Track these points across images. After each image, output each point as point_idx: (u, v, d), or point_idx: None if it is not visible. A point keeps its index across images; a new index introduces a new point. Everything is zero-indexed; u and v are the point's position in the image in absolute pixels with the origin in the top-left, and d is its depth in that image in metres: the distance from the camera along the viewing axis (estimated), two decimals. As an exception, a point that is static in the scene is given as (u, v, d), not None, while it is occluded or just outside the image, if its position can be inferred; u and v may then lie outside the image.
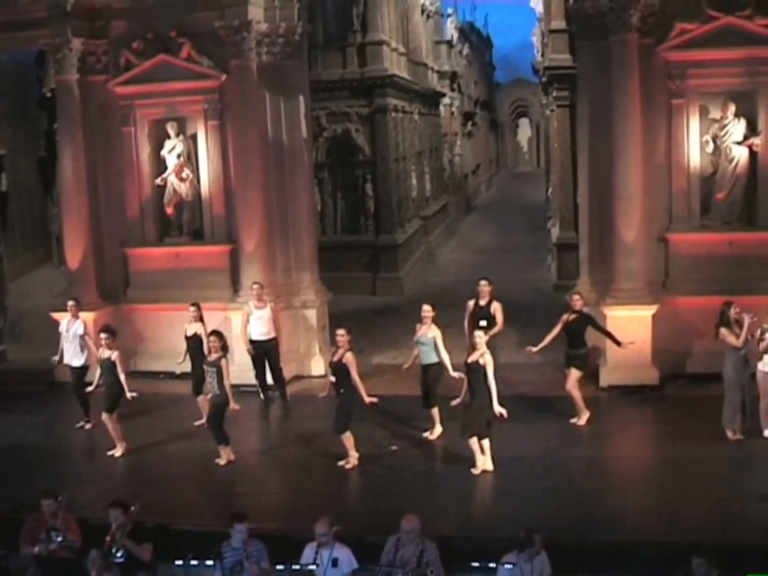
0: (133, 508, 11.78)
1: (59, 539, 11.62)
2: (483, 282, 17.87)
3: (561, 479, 15.11)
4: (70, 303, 18.70)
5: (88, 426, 17.97)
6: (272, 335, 19.25)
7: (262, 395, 19.37)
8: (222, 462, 15.87)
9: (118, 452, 16.58)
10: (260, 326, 19.19)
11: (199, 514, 14.12)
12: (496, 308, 17.68)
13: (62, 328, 18.58)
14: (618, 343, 17.37)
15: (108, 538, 11.42)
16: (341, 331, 15.63)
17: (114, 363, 16.49)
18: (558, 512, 13.53)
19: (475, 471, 14.90)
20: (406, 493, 14.44)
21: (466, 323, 17.72)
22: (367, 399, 15.39)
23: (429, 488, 14.67)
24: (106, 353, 16.60)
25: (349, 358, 15.37)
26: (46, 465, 16.29)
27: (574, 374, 16.99)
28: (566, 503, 13.96)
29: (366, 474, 15.34)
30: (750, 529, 12.63)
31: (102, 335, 16.78)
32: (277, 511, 14.21)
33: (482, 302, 17.78)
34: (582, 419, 17.02)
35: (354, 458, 15.55)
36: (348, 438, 15.50)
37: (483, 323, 17.30)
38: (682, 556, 10.56)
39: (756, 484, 14.14)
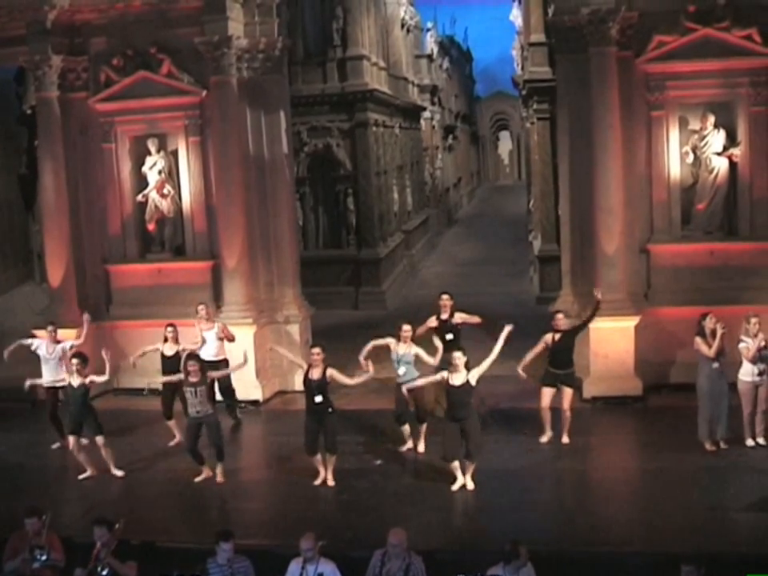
0: (117, 525, 11.71)
1: (43, 558, 11.53)
2: (445, 297, 17.78)
3: (545, 492, 15.15)
4: (50, 328, 18.53)
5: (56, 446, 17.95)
6: (221, 356, 18.68)
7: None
8: (219, 478, 15.88)
9: (88, 474, 16.49)
10: (208, 348, 18.67)
11: (184, 531, 14.09)
12: (460, 317, 17.65)
13: (43, 351, 18.31)
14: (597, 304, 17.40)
15: (93, 556, 11.35)
16: (316, 350, 15.57)
17: (87, 389, 16.38)
18: (543, 524, 13.56)
19: (454, 487, 14.94)
20: (391, 507, 14.43)
21: (421, 331, 17.54)
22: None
23: (413, 502, 14.65)
24: (77, 380, 16.30)
25: (332, 371, 15.33)
26: (29, 483, 16.20)
27: (569, 392, 16.83)
28: (550, 515, 14.00)
29: (350, 488, 15.31)
30: (733, 539, 12.69)
31: (74, 360, 16.57)
32: (261, 527, 14.16)
33: (444, 316, 17.68)
34: (564, 437, 16.87)
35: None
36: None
37: (450, 337, 17.32)
38: (666, 566, 10.57)
39: (739, 493, 14.17)
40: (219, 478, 15.92)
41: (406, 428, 16.86)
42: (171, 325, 18.20)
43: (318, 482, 15.51)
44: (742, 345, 15.75)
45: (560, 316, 17.08)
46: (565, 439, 16.79)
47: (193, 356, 16.18)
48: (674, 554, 10.91)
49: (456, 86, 73.81)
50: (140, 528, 13.17)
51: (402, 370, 16.59)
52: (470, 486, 14.89)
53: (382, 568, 10.99)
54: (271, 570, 11.46)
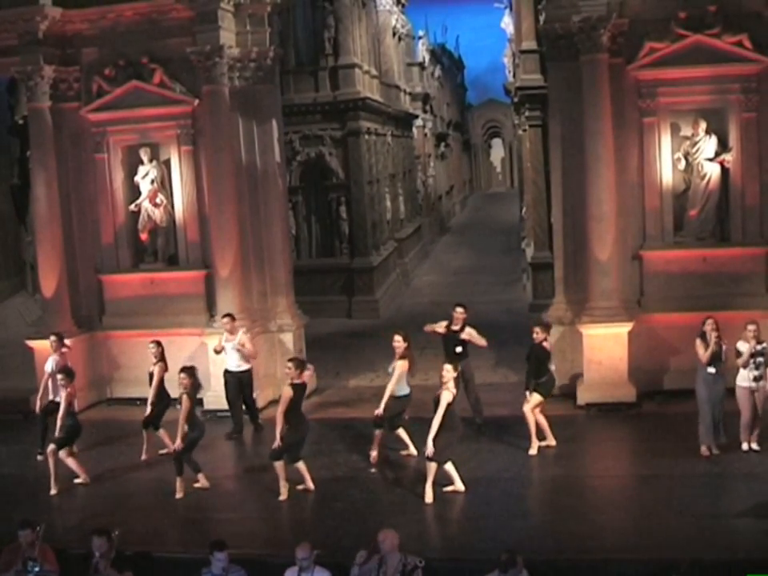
0: (114, 535, 11.66)
1: (36, 569, 11.48)
2: (460, 310, 17.68)
3: (539, 499, 15.18)
4: (51, 338, 18.52)
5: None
6: (243, 367, 18.89)
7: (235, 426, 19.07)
8: (179, 494, 15.70)
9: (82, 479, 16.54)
10: (233, 358, 18.93)
11: (179, 541, 14.08)
12: (469, 334, 17.59)
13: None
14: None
15: (92, 567, 11.31)
16: (289, 363, 15.60)
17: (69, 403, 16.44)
18: (538, 532, 13.54)
19: (446, 489, 14.94)
20: (386, 516, 14.35)
21: (428, 329, 17.76)
22: (276, 443, 15.25)
23: (408, 511, 14.61)
24: (62, 393, 16.49)
25: (284, 392, 15.26)
26: (22, 495, 16.14)
27: (536, 398, 16.75)
28: (545, 523, 13.99)
29: (345, 497, 15.28)
30: (728, 545, 12.63)
31: (59, 376, 16.72)
32: (257, 536, 14.13)
33: (455, 327, 17.68)
34: (534, 448, 16.71)
35: (282, 488, 15.45)
36: (281, 466, 15.46)
37: (459, 349, 17.44)
38: (661, 573, 10.57)
39: (734, 500, 14.20)
40: (199, 485, 15.95)
41: (401, 432, 16.89)
42: (153, 341, 18.13)
43: (300, 486, 15.55)
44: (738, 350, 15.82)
45: (537, 329, 17.16)
46: (532, 450, 16.69)
47: (184, 369, 16.07)
48: (668, 560, 10.92)
49: (448, 94, 73.91)
50: (133, 538, 13.13)
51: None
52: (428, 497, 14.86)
53: (379, 570, 11.01)
54: (266, 579, 11.46)
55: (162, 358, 17.82)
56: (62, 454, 16.31)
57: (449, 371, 14.75)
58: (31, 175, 21.99)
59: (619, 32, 18.86)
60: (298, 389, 15.27)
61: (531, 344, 17.11)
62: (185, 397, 15.46)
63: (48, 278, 21.14)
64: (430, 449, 14.57)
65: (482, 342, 17.64)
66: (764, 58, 18.62)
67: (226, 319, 19.11)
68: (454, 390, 14.72)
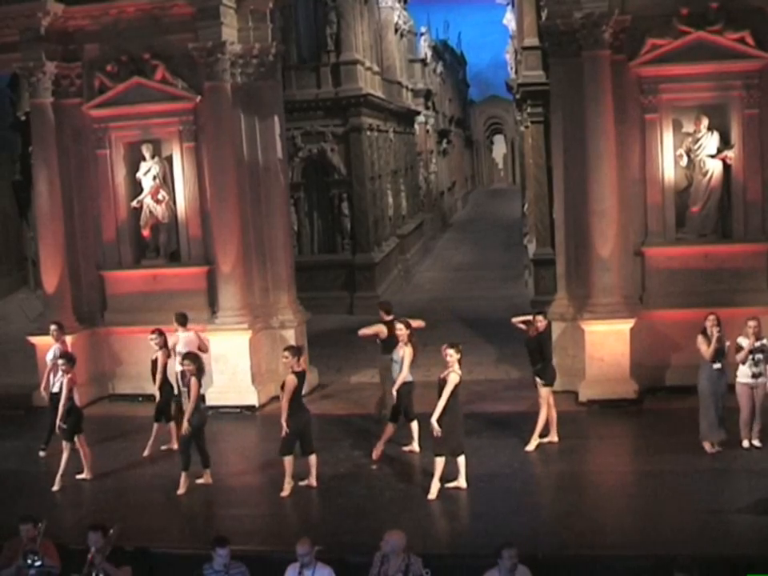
0: (111, 531, 11.68)
1: (37, 564, 11.49)
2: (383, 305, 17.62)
3: (541, 495, 15.16)
4: (52, 327, 18.55)
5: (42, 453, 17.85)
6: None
7: None
8: (181, 490, 15.66)
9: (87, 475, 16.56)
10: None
11: (180, 537, 14.08)
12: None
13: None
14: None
15: (87, 562, 11.32)
16: (285, 353, 15.57)
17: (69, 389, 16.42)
18: (540, 528, 13.53)
19: (448, 485, 14.90)
20: (387, 512, 14.39)
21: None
22: (283, 431, 15.24)
23: (409, 506, 14.62)
24: (63, 378, 16.48)
25: (288, 380, 15.22)
26: (24, 491, 16.16)
27: (543, 391, 16.77)
28: (547, 519, 13.98)
29: (346, 493, 15.28)
30: (729, 541, 12.65)
31: (60, 361, 16.71)
32: (257, 532, 14.13)
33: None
34: (531, 444, 16.73)
35: (286, 484, 15.42)
36: (290, 462, 15.41)
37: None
38: (663, 569, 10.57)
39: (735, 496, 14.18)
40: (202, 481, 15.99)
41: (414, 425, 16.90)
42: (154, 331, 18.03)
43: (303, 482, 15.56)
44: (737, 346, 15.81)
45: (539, 318, 17.13)
46: (529, 446, 16.70)
47: (187, 355, 16.07)
48: (670, 556, 10.91)
49: (450, 90, 73.94)
50: (135, 534, 13.15)
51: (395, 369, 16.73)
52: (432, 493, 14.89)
53: (381, 568, 11.03)
54: (268, 575, 11.44)
55: (164, 345, 17.79)
56: (80, 440, 16.34)
57: (452, 355, 14.73)
58: (33, 171, 22.02)
59: (621, 28, 18.84)
60: (300, 376, 15.31)
61: (532, 335, 17.07)
62: (193, 380, 15.50)
63: (50, 273, 21.16)
64: (436, 429, 14.51)
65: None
66: (766, 55, 18.61)
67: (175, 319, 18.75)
68: (460, 372, 14.72)
